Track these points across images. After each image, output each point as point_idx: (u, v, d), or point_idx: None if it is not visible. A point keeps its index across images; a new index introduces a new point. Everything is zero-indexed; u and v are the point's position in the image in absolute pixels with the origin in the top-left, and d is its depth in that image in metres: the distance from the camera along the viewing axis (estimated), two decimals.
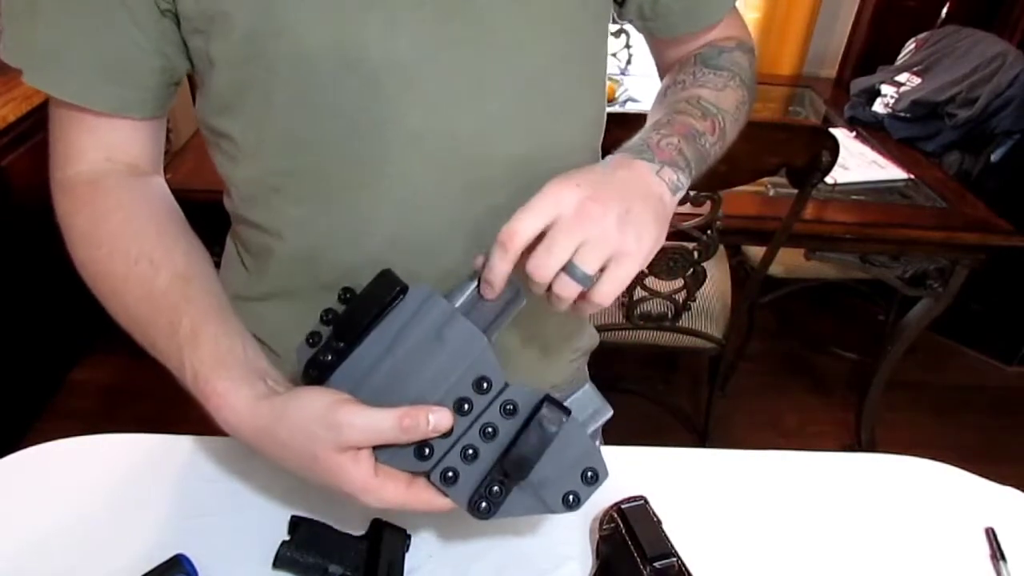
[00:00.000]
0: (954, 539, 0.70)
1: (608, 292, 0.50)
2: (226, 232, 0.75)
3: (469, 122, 0.58)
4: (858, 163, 1.76)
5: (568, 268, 0.48)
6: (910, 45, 2.12)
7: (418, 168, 0.59)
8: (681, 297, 1.55)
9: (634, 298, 1.54)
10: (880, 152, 1.83)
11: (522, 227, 0.48)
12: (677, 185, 0.55)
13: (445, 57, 0.55)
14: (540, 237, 0.49)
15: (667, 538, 0.61)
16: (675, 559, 0.59)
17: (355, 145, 0.58)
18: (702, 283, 1.51)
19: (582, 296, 0.50)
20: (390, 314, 0.52)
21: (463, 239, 0.62)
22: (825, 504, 0.73)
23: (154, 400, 2.03)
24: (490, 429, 0.50)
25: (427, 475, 0.50)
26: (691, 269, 1.47)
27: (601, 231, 0.48)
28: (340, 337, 0.53)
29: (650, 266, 1.46)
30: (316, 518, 0.64)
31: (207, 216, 0.73)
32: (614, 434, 0.76)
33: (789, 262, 1.81)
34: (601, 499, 0.65)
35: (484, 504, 0.50)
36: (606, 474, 0.51)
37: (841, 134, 1.77)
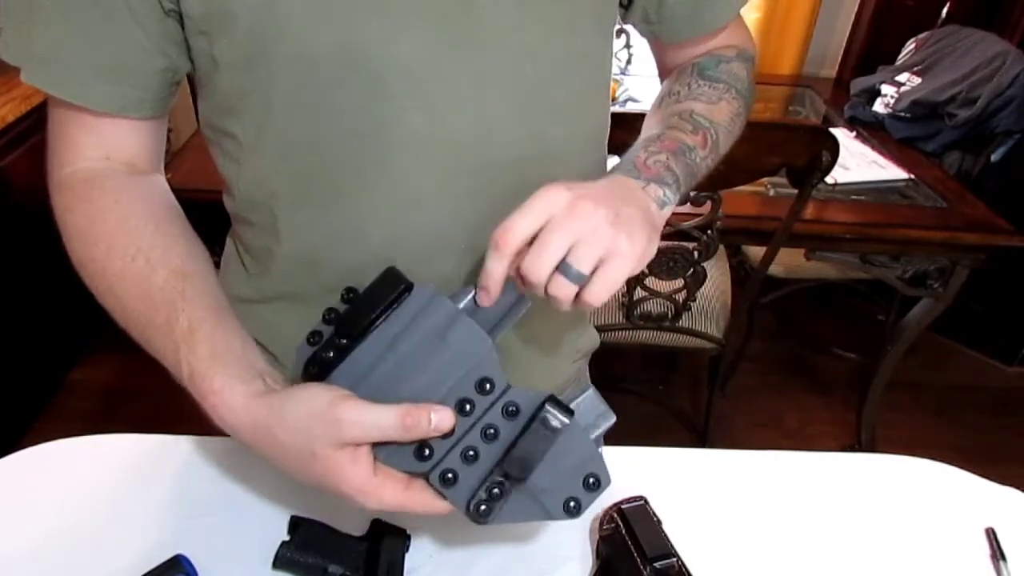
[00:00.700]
0: (954, 539, 0.70)
1: (600, 291, 0.49)
2: (226, 232, 0.75)
3: (471, 125, 0.58)
4: (858, 163, 1.76)
5: (562, 267, 0.49)
6: (910, 45, 2.12)
7: (420, 170, 0.59)
8: (681, 297, 1.55)
9: (634, 298, 1.54)
10: (880, 152, 1.83)
11: (515, 227, 0.49)
12: (663, 200, 0.55)
13: (447, 60, 0.55)
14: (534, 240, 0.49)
15: (667, 538, 0.61)
16: (675, 559, 0.59)
17: (357, 147, 0.57)
18: (702, 283, 1.51)
19: (576, 296, 0.50)
20: (394, 312, 0.52)
21: (465, 241, 0.62)
22: (825, 504, 0.73)
23: (154, 400, 2.03)
24: (491, 430, 0.49)
25: (426, 476, 0.50)
26: (691, 269, 1.47)
27: (593, 229, 0.48)
28: (342, 334, 0.52)
29: (650, 266, 1.46)
30: (316, 518, 0.64)
31: (207, 216, 0.73)
32: (614, 434, 0.76)
33: (789, 262, 1.81)
34: (601, 499, 0.65)
35: (483, 507, 0.49)
36: (608, 481, 0.50)
37: (841, 134, 1.77)
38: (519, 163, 0.61)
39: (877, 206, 1.63)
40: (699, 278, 1.50)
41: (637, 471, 0.71)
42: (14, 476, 0.70)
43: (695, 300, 1.58)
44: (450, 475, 0.49)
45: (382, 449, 0.49)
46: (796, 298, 2.27)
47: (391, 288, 0.52)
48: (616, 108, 1.98)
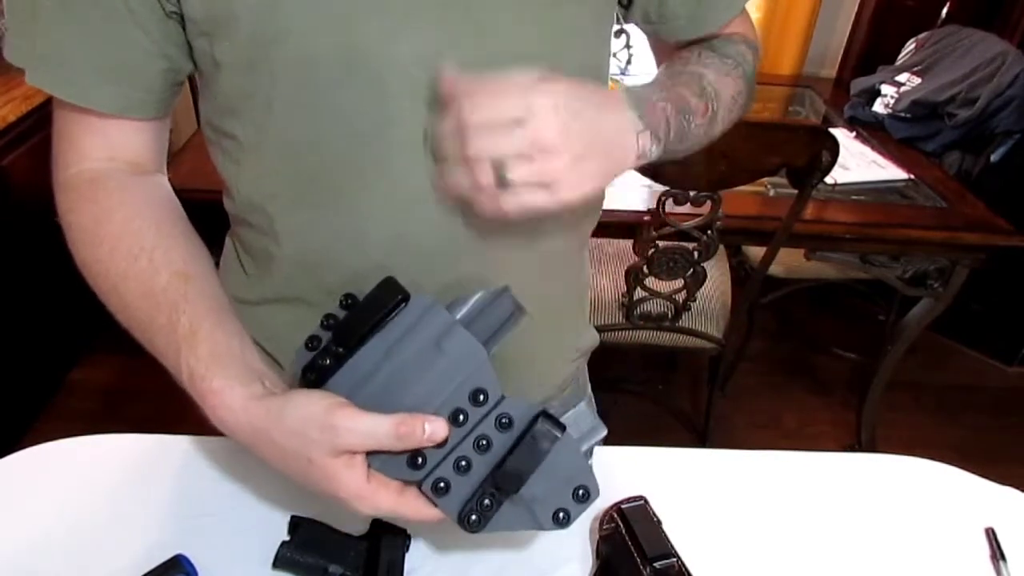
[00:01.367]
0: (954, 539, 0.70)
1: (505, 206, 0.49)
2: (225, 233, 0.75)
3: None
4: (858, 163, 1.76)
5: (497, 164, 0.48)
6: (910, 45, 2.12)
7: (419, 171, 0.59)
8: (681, 297, 1.55)
9: (634, 298, 1.54)
10: (880, 152, 1.83)
11: (484, 110, 0.48)
12: (647, 154, 0.55)
13: (446, 61, 0.55)
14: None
15: (667, 538, 0.61)
16: (675, 559, 0.59)
17: (357, 148, 0.58)
18: (702, 283, 1.51)
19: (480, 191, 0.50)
20: (391, 322, 0.52)
21: (464, 243, 0.62)
22: (825, 504, 0.73)
23: (154, 400, 2.02)
24: (484, 441, 0.50)
25: (419, 484, 0.50)
26: (691, 269, 1.47)
27: (548, 161, 0.48)
28: (340, 342, 0.53)
29: (650, 266, 1.47)
30: (316, 518, 0.64)
31: (207, 216, 0.73)
32: (614, 434, 0.76)
33: (789, 262, 1.81)
34: (601, 499, 0.65)
35: (474, 517, 0.50)
36: (597, 493, 0.51)
37: (841, 134, 1.77)
38: None
39: (877, 206, 1.63)
40: (699, 278, 1.50)
41: (637, 471, 0.71)
42: (14, 476, 0.70)
43: (695, 300, 1.58)
44: (442, 484, 0.50)
45: (376, 457, 0.50)
46: (796, 298, 2.27)
47: (389, 298, 0.53)
48: None
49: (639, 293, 1.53)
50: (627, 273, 1.50)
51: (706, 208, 1.37)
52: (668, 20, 0.69)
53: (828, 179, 1.50)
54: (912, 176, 1.73)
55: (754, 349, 2.25)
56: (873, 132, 1.95)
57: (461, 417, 0.50)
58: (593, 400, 0.90)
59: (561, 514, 0.51)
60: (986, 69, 1.89)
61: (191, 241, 0.61)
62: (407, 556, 0.63)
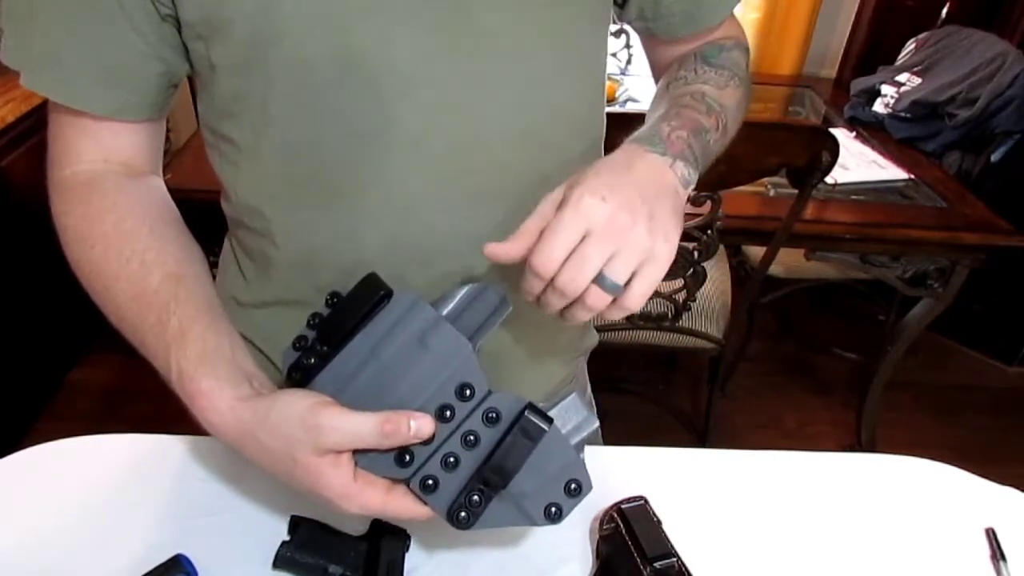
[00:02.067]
0: (954, 539, 0.70)
1: (638, 298, 0.49)
2: (224, 234, 0.75)
3: (467, 129, 0.58)
4: (858, 163, 1.76)
5: (599, 279, 0.48)
6: (910, 45, 2.12)
7: (417, 173, 0.59)
8: (681, 297, 1.55)
9: None
10: (880, 152, 1.83)
11: (556, 253, 0.47)
12: (688, 180, 0.55)
13: (443, 64, 0.56)
14: None
15: (667, 538, 0.61)
16: (675, 559, 0.59)
17: (354, 151, 0.58)
18: (702, 283, 1.51)
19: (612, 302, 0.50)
20: (374, 319, 0.52)
21: (462, 245, 0.62)
22: (825, 504, 0.72)
23: (153, 400, 2.02)
24: (472, 437, 0.50)
25: (407, 482, 0.50)
26: (691, 269, 1.47)
27: (632, 241, 0.48)
28: (324, 340, 0.52)
29: None
30: (316, 518, 0.64)
31: (206, 217, 0.73)
32: (614, 434, 0.76)
33: (789, 262, 1.81)
34: (601, 499, 0.65)
35: (463, 514, 0.49)
36: (590, 487, 0.50)
37: (841, 134, 1.77)
38: (515, 165, 0.61)
39: (877, 206, 1.63)
40: (699, 278, 1.50)
41: (637, 471, 0.71)
42: (14, 476, 0.70)
43: (695, 300, 1.58)
44: (430, 481, 0.49)
45: (363, 456, 0.49)
46: (796, 298, 2.27)
47: (371, 294, 0.52)
48: (616, 108, 1.98)
49: None
50: None
51: (706, 208, 1.37)
52: (663, 17, 0.69)
53: (828, 179, 1.50)
54: (912, 176, 1.73)
55: (754, 349, 2.25)
56: (873, 132, 1.95)
57: (448, 413, 0.50)
58: (589, 392, 0.89)
59: (553, 509, 0.50)
60: (986, 69, 1.89)
61: (184, 242, 0.61)
62: (407, 556, 0.63)
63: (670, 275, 1.48)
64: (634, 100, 2.03)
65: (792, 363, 2.35)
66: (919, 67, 2.03)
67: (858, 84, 2.10)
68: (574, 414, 0.52)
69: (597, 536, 0.64)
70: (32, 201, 1.72)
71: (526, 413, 0.49)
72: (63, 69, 0.56)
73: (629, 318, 1.58)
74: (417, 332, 0.51)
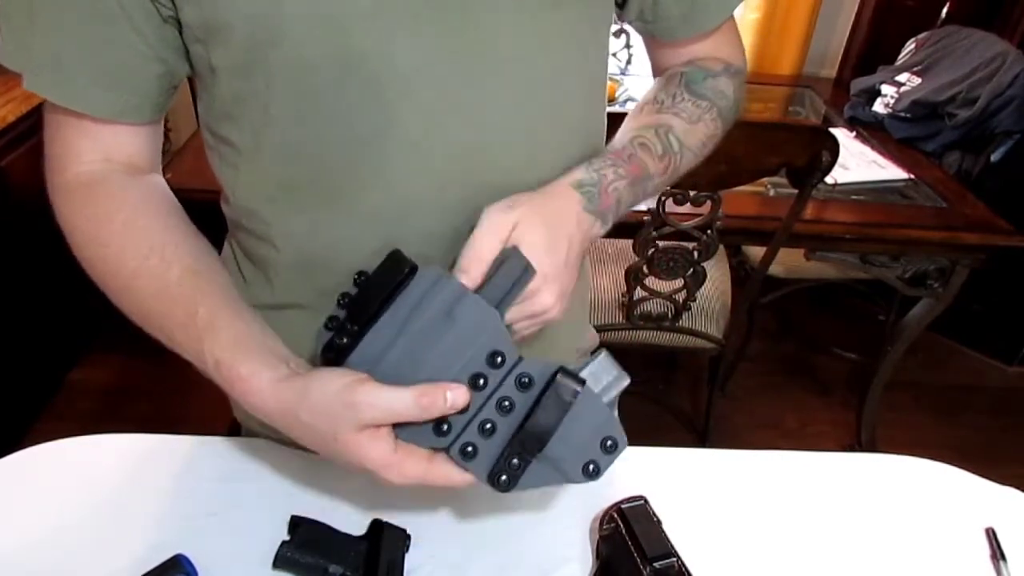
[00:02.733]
0: (954, 539, 0.70)
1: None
2: (224, 235, 0.75)
3: (468, 132, 0.58)
4: (858, 163, 1.76)
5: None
6: (910, 45, 2.12)
7: (416, 175, 0.59)
8: (681, 297, 1.55)
9: (634, 298, 1.54)
10: (880, 152, 1.83)
11: (479, 264, 0.54)
12: (596, 236, 0.61)
13: (444, 67, 0.56)
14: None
15: (667, 538, 0.61)
16: (675, 559, 0.59)
17: (354, 152, 0.58)
18: (702, 283, 1.51)
19: None
20: (401, 295, 0.53)
21: (461, 247, 0.62)
22: (825, 504, 0.73)
23: (154, 400, 2.03)
24: (506, 403, 0.50)
25: (446, 451, 0.51)
26: (691, 269, 1.47)
27: (567, 280, 0.58)
28: (354, 320, 0.53)
29: (650, 266, 1.47)
30: (316, 518, 0.64)
31: (206, 217, 0.73)
32: None
33: (789, 262, 1.81)
34: (601, 499, 0.65)
35: (504, 477, 0.50)
36: (625, 442, 0.51)
37: (841, 134, 1.77)
38: (515, 167, 0.61)
39: (877, 206, 1.63)
40: (699, 278, 1.50)
41: (637, 471, 0.71)
42: (14, 476, 0.70)
43: (695, 300, 1.58)
44: (470, 448, 0.50)
45: (402, 429, 0.50)
46: (796, 298, 2.27)
47: (395, 271, 0.53)
48: (616, 108, 1.98)
49: (639, 293, 1.53)
50: (627, 273, 1.50)
51: (706, 208, 1.37)
52: (661, 20, 0.69)
53: (828, 179, 1.50)
54: (912, 176, 1.73)
55: (754, 349, 2.25)
56: (873, 132, 1.95)
57: (481, 381, 0.50)
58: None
59: (591, 466, 0.51)
60: (986, 69, 1.89)
61: (195, 237, 0.62)
62: (407, 556, 0.63)
63: (670, 275, 1.48)
64: (634, 100, 2.03)
65: (792, 363, 2.35)
66: (919, 67, 2.03)
67: (858, 84, 2.10)
68: (605, 373, 0.53)
69: (597, 536, 0.64)
70: (32, 201, 1.73)
71: (559, 376, 0.50)
72: (63, 71, 0.56)
73: (629, 318, 1.58)
74: (444, 305, 0.52)
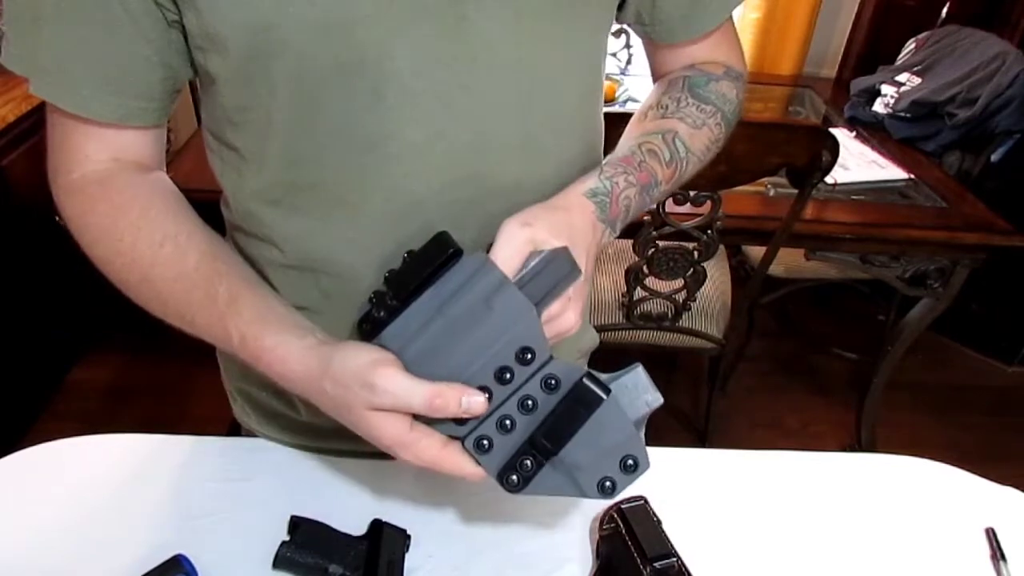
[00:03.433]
0: (954, 539, 0.70)
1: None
2: (225, 236, 0.75)
3: (468, 134, 0.58)
4: (858, 163, 1.76)
5: None
6: (910, 45, 2.12)
7: (417, 180, 0.59)
8: (681, 297, 1.55)
9: (634, 298, 1.54)
10: (880, 152, 1.83)
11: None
12: (604, 243, 0.61)
13: (443, 72, 0.56)
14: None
15: (667, 538, 0.61)
16: (675, 559, 0.59)
17: (356, 157, 0.58)
18: (702, 283, 1.51)
19: None
20: (443, 277, 0.52)
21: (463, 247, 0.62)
22: (825, 504, 0.73)
23: (154, 400, 2.03)
24: (529, 402, 0.50)
25: (462, 440, 0.50)
26: (691, 269, 1.47)
27: (586, 294, 0.58)
28: (394, 295, 0.53)
29: (650, 266, 1.47)
30: (316, 518, 0.64)
31: (207, 217, 0.73)
32: None
33: (789, 262, 1.81)
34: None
35: (514, 477, 0.50)
36: (648, 464, 0.50)
37: (841, 134, 1.77)
38: (515, 171, 0.61)
39: (877, 206, 1.63)
40: (699, 278, 1.50)
41: None
42: (14, 476, 0.70)
43: (695, 300, 1.58)
44: (485, 442, 0.50)
45: None
46: (796, 298, 2.27)
47: (439, 253, 0.52)
48: (616, 108, 1.98)
49: (639, 293, 1.53)
50: (627, 273, 1.50)
51: (706, 208, 1.37)
52: (659, 22, 0.69)
53: (828, 179, 1.50)
54: (912, 176, 1.73)
55: (754, 349, 2.25)
56: (873, 132, 1.95)
57: (507, 375, 0.50)
58: None
59: (607, 483, 0.50)
60: (986, 69, 1.89)
61: (205, 226, 0.62)
62: (407, 556, 0.63)
63: (670, 275, 1.48)
64: (634, 100, 2.03)
65: (792, 363, 2.35)
66: (919, 67, 2.03)
67: (858, 84, 2.10)
68: (636, 388, 0.52)
69: (597, 536, 0.64)
70: (32, 201, 1.73)
71: (583, 380, 0.49)
72: (69, 76, 0.56)
73: (629, 318, 1.58)
74: (483, 293, 0.51)
